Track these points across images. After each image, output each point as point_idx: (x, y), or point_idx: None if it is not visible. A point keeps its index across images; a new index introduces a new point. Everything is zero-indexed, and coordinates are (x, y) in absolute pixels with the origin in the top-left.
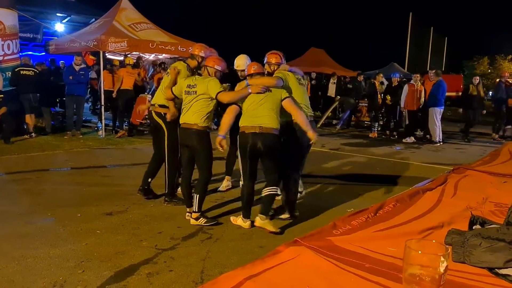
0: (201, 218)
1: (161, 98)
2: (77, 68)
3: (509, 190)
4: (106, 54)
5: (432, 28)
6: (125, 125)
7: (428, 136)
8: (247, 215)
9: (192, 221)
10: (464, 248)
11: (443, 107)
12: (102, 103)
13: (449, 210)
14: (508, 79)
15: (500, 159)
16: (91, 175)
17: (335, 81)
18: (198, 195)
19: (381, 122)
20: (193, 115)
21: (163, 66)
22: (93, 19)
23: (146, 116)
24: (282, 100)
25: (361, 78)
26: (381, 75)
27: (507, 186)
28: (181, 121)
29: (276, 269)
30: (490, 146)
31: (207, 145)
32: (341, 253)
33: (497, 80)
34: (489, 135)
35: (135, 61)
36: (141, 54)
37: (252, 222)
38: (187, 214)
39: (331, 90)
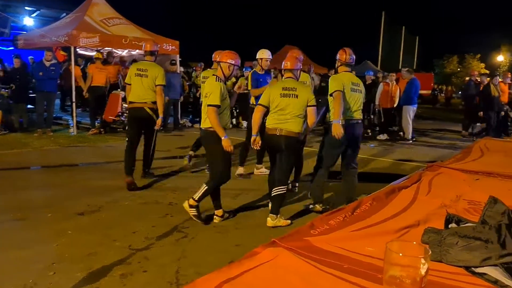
0: (194, 209)
1: (153, 97)
2: (47, 63)
3: (481, 187)
4: (78, 50)
5: (404, 27)
6: (97, 122)
7: (401, 133)
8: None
9: (185, 205)
10: (441, 247)
11: (416, 105)
12: (73, 100)
13: (425, 208)
14: (477, 78)
15: (472, 156)
16: (61, 174)
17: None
18: (207, 187)
19: None
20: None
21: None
22: (64, 14)
23: (120, 113)
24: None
25: (331, 73)
26: (354, 73)
27: (480, 184)
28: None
29: (254, 272)
30: (460, 143)
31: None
32: (319, 254)
33: (467, 78)
34: (459, 132)
35: (105, 56)
36: (113, 50)
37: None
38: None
39: None
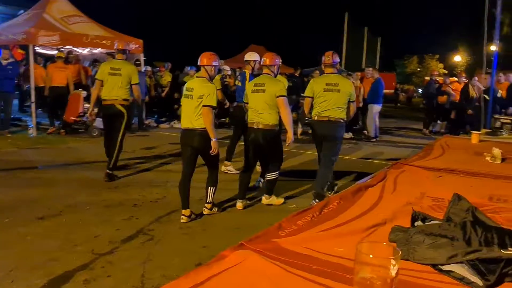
0: (214, 208)
1: (125, 94)
2: (4, 62)
3: (444, 184)
4: (36, 48)
5: (366, 28)
6: (57, 123)
7: (365, 132)
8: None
9: (206, 211)
10: (408, 246)
11: (381, 104)
12: (33, 100)
13: (391, 206)
14: (438, 77)
15: (434, 154)
16: (20, 177)
17: None
18: (214, 187)
19: None
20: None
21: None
22: (22, 11)
23: (81, 114)
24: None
25: (297, 73)
26: (318, 72)
27: (442, 181)
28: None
29: (222, 276)
30: (422, 141)
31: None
32: (287, 256)
33: (427, 78)
34: (420, 130)
35: (66, 55)
36: (73, 49)
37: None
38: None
39: None
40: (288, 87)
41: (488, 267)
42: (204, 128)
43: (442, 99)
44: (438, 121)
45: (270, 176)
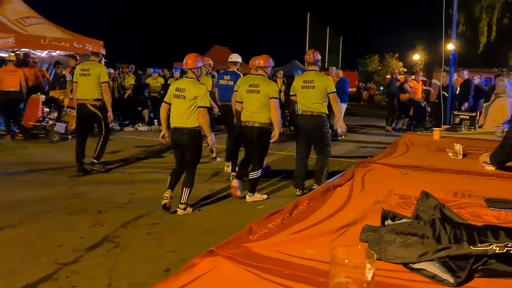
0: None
1: (96, 94)
2: None
3: (410, 181)
4: None
5: (328, 28)
6: (15, 129)
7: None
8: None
9: (180, 212)
10: (379, 245)
11: (347, 102)
12: None
13: (360, 205)
14: (399, 76)
15: (398, 151)
16: None
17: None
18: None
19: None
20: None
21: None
22: None
23: (40, 118)
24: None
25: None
26: (282, 72)
27: (408, 178)
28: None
29: (192, 285)
30: (386, 138)
31: None
32: (259, 261)
33: (388, 76)
34: (383, 128)
35: (21, 57)
36: (30, 51)
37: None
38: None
39: None
40: None
41: (458, 264)
42: (194, 127)
43: (404, 96)
44: (401, 118)
45: (253, 175)
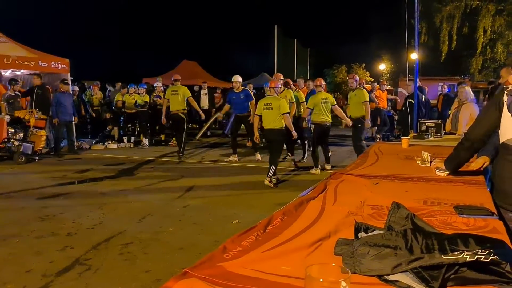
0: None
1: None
2: None
3: (381, 191)
4: None
5: (296, 40)
6: None
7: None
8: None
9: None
10: (353, 259)
11: None
12: None
13: (333, 218)
14: (366, 85)
15: (369, 161)
16: None
17: (206, 92)
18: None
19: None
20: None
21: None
22: None
23: (5, 140)
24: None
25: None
26: (251, 85)
27: (379, 188)
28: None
29: None
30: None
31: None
32: (234, 280)
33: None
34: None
35: None
36: None
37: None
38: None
39: (204, 102)
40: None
41: (431, 273)
42: (279, 127)
43: (372, 105)
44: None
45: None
